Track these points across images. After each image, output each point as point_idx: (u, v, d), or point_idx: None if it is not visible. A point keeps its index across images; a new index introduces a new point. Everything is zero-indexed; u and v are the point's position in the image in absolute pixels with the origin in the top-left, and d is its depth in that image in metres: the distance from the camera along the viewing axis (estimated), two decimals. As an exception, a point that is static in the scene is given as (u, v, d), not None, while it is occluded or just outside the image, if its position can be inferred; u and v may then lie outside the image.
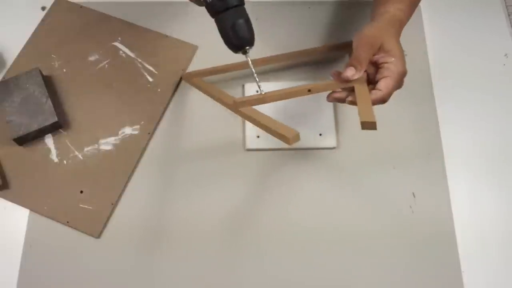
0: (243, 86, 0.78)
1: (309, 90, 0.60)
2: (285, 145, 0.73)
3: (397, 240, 0.69)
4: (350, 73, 0.59)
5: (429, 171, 0.73)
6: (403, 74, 0.60)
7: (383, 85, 0.58)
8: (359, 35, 0.61)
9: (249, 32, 0.58)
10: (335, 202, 0.71)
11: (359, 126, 0.75)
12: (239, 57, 0.79)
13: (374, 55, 0.60)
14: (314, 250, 0.68)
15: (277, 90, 0.61)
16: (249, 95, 0.76)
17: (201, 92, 0.77)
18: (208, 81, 0.77)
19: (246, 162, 0.73)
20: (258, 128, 0.74)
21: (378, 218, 0.70)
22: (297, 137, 0.56)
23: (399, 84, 0.60)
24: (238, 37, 0.57)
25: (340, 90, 0.61)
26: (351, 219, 0.70)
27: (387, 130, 0.75)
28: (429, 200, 0.71)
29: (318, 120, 0.75)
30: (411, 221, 0.70)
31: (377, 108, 0.76)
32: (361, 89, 0.59)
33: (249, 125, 0.75)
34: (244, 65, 0.72)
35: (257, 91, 0.61)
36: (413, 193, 0.72)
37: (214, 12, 0.58)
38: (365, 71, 0.60)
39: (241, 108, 0.63)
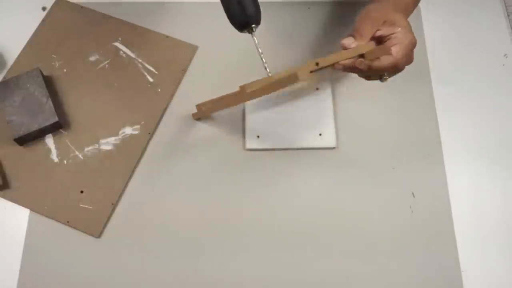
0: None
1: (317, 64, 0.57)
2: (285, 145, 0.74)
3: (396, 240, 0.69)
4: (347, 41, 0.58)
5: (429, 171, 0.73)
6: (413, 43, 0.58)
7: (393, 50, 0.56)
8: (364, 10, 0.60)
9: (255, 10, 0.55)
10: (334, 202, 0.71)
11: (360, 126, 0.76)
12: (239, 58, 0.80)
13: (377, 30, 0.58)
14: (314, 250, 0.68)
15: (283, 70, 0.58)
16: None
17: (200, 92, 0.78)
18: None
19: (246, 162, 0.73)
20: (258, 128, 0.74)
21: (378, 218, 0.70)
22: (305, 73, 0.52)
23: (408, 54, 0.58)
24: (244, 14, 0.54)
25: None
26: (351, 219, 0.70)
27: (387, 130, 0.75)
28: (429, 200, 0.71)
29: (318, 120, 0.75)
30: (411, 221, 0.70)
31: (377, 105, 0.76)
32: (371, 51, 0.57)
33: (249, 125, 0.75)
34: (252, 94, 0.71)
35: (266, 69, 0.58)
36: (413, 193, 0.72)
37: None
38: (380, 36, 0.58)
39: (249, 90, 0.60)
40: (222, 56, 0.79)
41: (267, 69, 0.58)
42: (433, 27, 0.83)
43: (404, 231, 0.70)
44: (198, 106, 0.72)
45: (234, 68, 0.79)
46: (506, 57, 0.81)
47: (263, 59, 0.57)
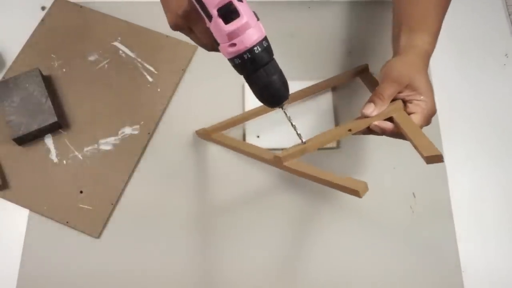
0: (243, 86, 0.78)
1: (349, 130, 0.57)
2: (285, 145, 0.73)
3: (397, 240, 0.69)
4: (369, 110, 0.56)
5: (429, 171, 0.73)
6: (433, 113, 0.57)
7: (414, 118, 0.56)
8: (386, 68, 0.59)
9: (284, 88, 0.53)
10: (334, 202, 0.71)
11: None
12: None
13: (399, 92, 0.57)
14: (313, 250, 0.68)
15: (318, 136, 0.59)
16: (248, 95, 0.76)
17: (201, 92, 0.77)
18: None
19: (246, 162, 0.73)
20: (258, 128, 0.74)
21: (378, 218, 0.70)
22: (365, 188, 0.51)
23: (427, 122, 0.57)
24: (274, 95, 0.53)
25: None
26: (351, 219, 0.70)
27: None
28: (430, 200, 0.71)
29: (318, 120, 0.75)
30: (411, 221, 0.70)
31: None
32: (403, 118, 0.56)
33: (249, 125, 0.75)
34: (257, 112, 0.71)
35: (302, 140, 0.58)
36: (413, 193, 0.72)
37: (243, 73, 0.52)
38: (402, 99, 0.58)
39: (286, 163, 0.57)
40: (222, 56, 0.79)
41: (303, 140, 0.57)
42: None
43: (404, 231, 0.70)
44: (207, 132, 0.72)
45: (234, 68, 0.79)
46: (507, 56, 0.81)
47: (297, 130, 0.57)
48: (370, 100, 0.57)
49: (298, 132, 0.57)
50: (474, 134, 0.76)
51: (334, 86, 0.77)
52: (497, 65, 0.81)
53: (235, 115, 0.73)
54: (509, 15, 0.85)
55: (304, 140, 0.57)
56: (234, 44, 0.49)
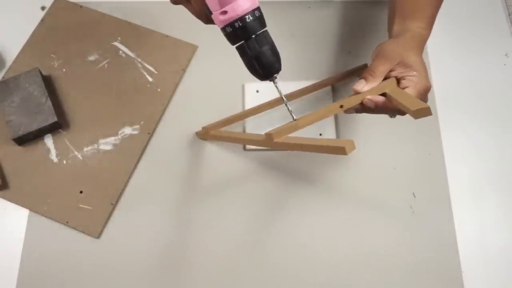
0: (243, 86, 0.78)
1: (341, 106, 0.56)
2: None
3: (397, 240, 0.69)
4: (360, 86, 0.56)
5: (429, 171, 0.73)
6: (426, 89, 0.57)
7: (407, 92, 0.55)
8: (378, 48, 0.59)
9: (276, 59, 0.53)
10: (334, 202, 0.71)
11: (360, 126, 0.76)
12: (239, 58, 0.80)
13: (392, 70, 0.57)
14: (313, 249, 0.68)
15: (309, 114, 0.57)
16: (248, 95, 0.76)
17: (201, 92, 0.77)
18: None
19: (246, 162, 0.73)
20: (258, 128, 0.74)
21: (378, 218, 0.70)
22: (352, 145, 0.50)
23: (422, 97, 0.56)
24: (265, 66, 0.52)
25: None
26: (351, 219, 0.70)
27: (387, 130, 0.75)
28: (430, 200, 0.71)
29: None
30: (411, 221, 0.70)
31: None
32: (397, 91, 0.55)
33: (249, 125, 0.75)
34: (254, 111, 0.71)
35: (292, 116, 0.56)
36: (413, 193, 0.72)
37: (233, 41, 0.52)
38: (395, 77, 0.57)
39: (277, 139, 0.56)
40: (222, 56, 0.79)
41: (294, 116, 0.56)
42: (433, 26, 0.82)
43: (404, 231, 0.69)
44: (206, 130, 0.72)
45: (234, 68, 0.79)
46: (507, 56, 0.81)
47: (289, 106, 0.56)
48: (362, 77, 0.57)
49: (290, 109, 0.56)
50: (474, 134, 0.76)
51: (333, 84, 0.77)
52: (497, 65, 0.81)
53: (235, 113, 0.73)
54: (509, 15, 0.85)
55: (295, 117, 0.56)
56: (225, 12, 0.49)
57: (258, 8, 0.51)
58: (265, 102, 0.72)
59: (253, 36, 0.51)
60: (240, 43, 0.52)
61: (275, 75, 0.54)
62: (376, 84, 0.57)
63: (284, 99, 0.56)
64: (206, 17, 0.54)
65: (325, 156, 0.74)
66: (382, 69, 0.57)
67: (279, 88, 0.55)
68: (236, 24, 0.50)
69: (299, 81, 0.78)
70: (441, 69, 0.80)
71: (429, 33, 0.62)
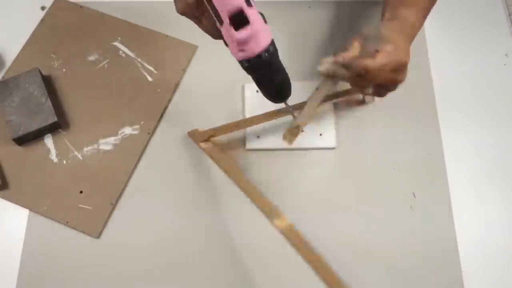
0: (243, 86, 0.78)
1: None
2: (285, 145, 0.73)
3: (397, 240, 0.69)
4: (340, 56, 0.57)
5: (429, 171, 0.73)
6: (401, 62, 0.55)
7: (377, 56, 0.54)
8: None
9: (288, 86, 0.57)
10: (335, 202, 0.71)
11: (360, 126, 0.76)
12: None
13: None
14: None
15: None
16: (248, 95, 0.76)
17: (201, 92, 0.77)
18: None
19: (246, 162, 0.73)
20: (258, 128, 0.74)
21: (378, 218, 0.70)
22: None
23: (394, 69, 0.55)
24: (279, 93, 0.57)
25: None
26: (351, 219, 0.70)
27: (387, 130, 0.75)
28: (430, 200, 0.71)
29: (318, 120, 0.75)
30: (411, 221, 0.70)
31: (377, 108, 0.76)
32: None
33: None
34: (261, 118, 0.71)
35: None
36: (413, 193, 0.72)
37: (252, 75, 0.56)
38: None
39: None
40: (222, 56, 0.79)
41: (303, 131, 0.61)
42: (433, 26, 0.83)
43: (404, 231, 0.69)
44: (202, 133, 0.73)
45: (234, 68, 0.79)
46: (507, 56, 0.81)
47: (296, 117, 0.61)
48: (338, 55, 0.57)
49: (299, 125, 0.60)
50: (474, 134, 0.76)
51: None
52: (497, 65, 0.80)
53: (237, 120, 0.73)
54: (509, 15, 0.85)
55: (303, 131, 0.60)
56: (243, 50, 0.51)
57: (272, 42, 0.53)
58: (272, 111, 0.71)
59: (268, 68, 0.54)
60: (255, 72, 0.55)
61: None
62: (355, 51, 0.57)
63: (294, 114, 0.61)
64: (218, 36, 0.56)
65: (325, 156, 0.74)
66: (358, 45, 0.57)
67: (290, 107, 0.61)
68: (253, 61, 0.53)
69: (299, 81, 0.78)
70: (441, 68, 0.80)
71: (420, 24, 0.61)
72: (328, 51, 0.81)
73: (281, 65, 0.56)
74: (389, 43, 0.56)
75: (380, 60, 0.55)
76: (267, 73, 0.55)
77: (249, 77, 0.78)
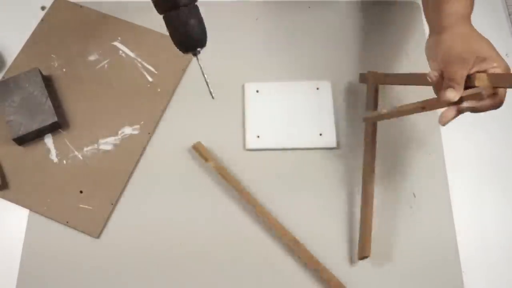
0: (243, 86, 0.78)
1: (423, 107, 0.60)
2: (285, 145, 0.74)
3: (397, 240, 0.69)
4: (451, 94, 0.54)
5: (429, 171, 0.73)
6: (508, 68, 0.55)
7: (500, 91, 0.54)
8: (440, 51, 0.57)
9: (201, 34, 0.54)
10: (335, 202, 0.71)
11: (360, 126, 0.76)
12: (239, 58, 0.80)
13: (471, 68, 0.55)
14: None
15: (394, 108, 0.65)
16: (248, 95, 0.76)
17: (201, 92, 0.77)
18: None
19: (246, 162, 0.73)
20: (258, 128, 0.74)
21: (378, 218, 0.70)
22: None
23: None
24: (189, 39, 0.53)
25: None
26: (351, 219, 0.70)
27: (387, 130, 0.75)
28: (430, 200, 0.71)
29: (318, 120, 0.75)
30: (411, 221, 0.70)
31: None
32: (490, 80, 0.54)
33: (249, 125, 0.75)
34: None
35: (211, 94, 0.58)
36: (413, 193, 0.72)
37: (162, 9, 0.52)
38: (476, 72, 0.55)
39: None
40: (222, 56, 0.79)
41: (212, 94, 0.57)
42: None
43: (404, 231, 0.69)
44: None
45: (234, 68, 0.79)
46: (508, 56, 0.81)
47: (209, 84, 0.57)
48: (447, 86, 0.55)
49: (210, 87, 0.57)
50: (474, 135, 0.76)
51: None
52: (497, 65, 0.80)
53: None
54: (509, 15, 0.85)
55: (213, 96, 0.58)
56: None
57: None
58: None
59: (182, 6, 0.51)
60: (168, 12, 0.52)
61: (198, 49, 0.54)
62: (462, 89, 0.55)
63: (205, 76, 0.56)
64: None
65: (325, 156, 0.74)
66: (462, 74, 0.55)
67: (201, 64, 0.56)
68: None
69: (299, 81, 0.78)
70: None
71: (472, 9, 0.60)
72: (328, 51, 0.81)
73: (197, 10, 0.53)
74: (489, 60, 0.55)
75: (504, 90, 0.55)
76: (179, 11, 0.52)
77: (249, 77, 0.79)
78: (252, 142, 0.74)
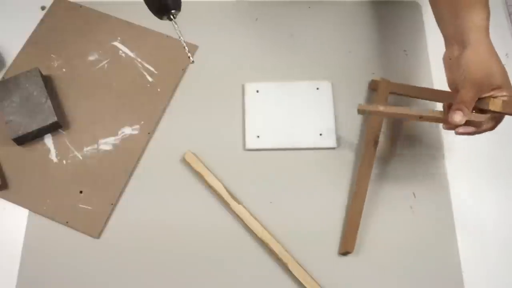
0: (243, 86, 0.78)
1: (420, 117, 0.62)
2: (285, 145, 0.74)
3: (397, 240, 0.69)
4: (458, 118, 0.57)
5: (429, 171, 0.73)
6: None
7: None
8: (463, 70, 0.58)
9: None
10: (335, 202, 0.71)
11: (360, 126, 0.76)
12: (239, 58, 0.80)
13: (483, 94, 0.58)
14: (314, 249, 0.68)
15: (394, 107, 0.67)
16: (248, 95, 0.76)
17: (201, 92, 0.77)
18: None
19: (246, 162, 0.73)
20: (258, 128, 0.74)
21: (378, 218, 0.70)
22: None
23: None
24: (161, 2, 0.52)
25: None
26: (351, 219, 0.70)
27: (387, 129, 0.75)
28: (430, 200, 0.71)
29: (318, 120, 0.75)
30: (411, 221, 0.70)
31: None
32: (504, 101, 0.57)
33: (249, 125, 0.75)
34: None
35: (189, 58, 0.58)
36: (414, 193, 0.72)
37: None
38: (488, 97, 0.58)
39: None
40: (222, 56, 0.79)
41: (191, 58, 0.57)
42: (434, 26, 0.82)
43: (405, 231, 0.69)
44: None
45: (234, 68, 0.79)
46: (507, 56, 0.81)
47: (186, 47, 0.56)
48: (456, 108, 0.57)
49: (187, 50, 0.57)
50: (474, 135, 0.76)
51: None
52: (497, 65, 0.80)
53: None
54: (509, 15, 0.85)
55: (192, 59, 0.58)
56: None
57: None
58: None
59: None
60: None
61: (172, 11, 0.53)
62: (470, 113, 0.58)
63: (182, 38, 0.56)
64: None
65: (325, 156, 0.74)
66: (474, 99, 0.57)
67: (178, 28, 0.55)
68: None
69: (299, 81, 0.78)
70: (441, 69, 0.79)
71: (489, 20, 0.60)
72: (328, 51, 0.81)
73: None
74: (501, 88, 0.57)
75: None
76: None
77: (249, 77, 0.78)
78: (252, 142, 0.74)
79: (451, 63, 0.61)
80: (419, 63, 0.81)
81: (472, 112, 0.58)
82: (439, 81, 0.78)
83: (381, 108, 0.64)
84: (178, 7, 0.53)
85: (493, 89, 0.57)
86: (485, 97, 0.58)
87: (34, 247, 0.67)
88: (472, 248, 0.69)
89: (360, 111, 0.66)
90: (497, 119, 0.60)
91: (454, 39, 0.61)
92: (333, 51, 0.81)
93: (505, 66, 0.80)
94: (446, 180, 0.72)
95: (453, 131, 0.61)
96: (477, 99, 0.57)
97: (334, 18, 0.84)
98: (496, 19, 0.84)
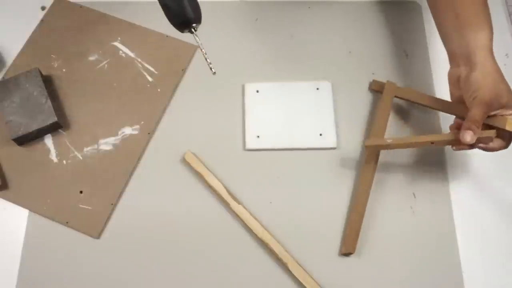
0: (243, 86, 0.78)
1: (432, 143, 0.63)
2: (285, 145, 0.74)
3: (397, 241, 0.69)
4: (469, 138, 0.58)
5: (429, 171, 0.73)
6: None
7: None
8: (473, 91, 0.60)
9: (195, 7, 0.54)
10: (335, 202, 0.71)
11: (360, 126, 0.76)
12: (239, 58, 0.80)
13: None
14: (314, 250, 0.68)
15: (401, 138, 0.70)
16: (248, 95, 0.76)
17: (201, 92, 0.77)
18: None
19: (246, 162, 0.73)
20: (258, 128, 0.74)
21: (378, 218, 0.70)
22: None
23: None
24: (183, 13, 0.53)
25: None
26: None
27: (387, 129, 0.75)
28: (430, 200, 0.71)
29: (318, 120, 0.75)
30: (411, 221, 0.70)
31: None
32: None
33: (249, 125, 0.75)
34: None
35: (211, 69, 0.58)
36: (414, 194, 0.72)
37: None
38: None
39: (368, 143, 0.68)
40: (222, 56, 0.79)
41: (212, 69, 0.58)
42: (434, 27, 0.82)
43: (405, 231, 0.69)
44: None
45: (234, 68, 0.79)
46: (507, 56, 0.81)
47: (208, 59, 0.57)
48: (467, 127, 0.59)
49: (209, 62, 0.57)
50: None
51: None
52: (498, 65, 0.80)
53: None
54: (510, 15, 0.85)
55: (214, 70, 0.58)
56: None
57: None
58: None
59: None
60: None
61: (194, 25, 0.54)
62: (480, 132, 0.59)
63: (204, 51, 0.57)
64: None
65: (325, 156, 0.74)
66: (483, 118, 0.59)
67: (199, 40, 0.56)
68: None
69: (299, 82, 0.78)
70: (441, 69, 0.80)
71: (492, 37, 0.63)
72: (328, 51, 0.81)
73: None
74: (509, 107, 0.60)
75: None
76: None
77: (249, 77, 0.79)
78: (252, 142, 0.74)
79: (458, 81, 0.63)
80: (419, 63, 0.81)
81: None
82: (439, 81, 0.79)
83: (390, 141, 0.66)
84: (199, 20, 0.54)
85: (500, 108, 0.60)
86: (493, 115, 0.61)
87: (34, 247, 0.67)
88: (472, 248, 0.69)
89: (368, 148, 0.68)
90: (510, 137, 0.62)
91: (461, 59, 0.63)
92: (333, 51, 0.81)
93: (505, 66, 0.81)
94: (446, 180, 0.72)
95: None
96: (485, 117, 0.59)
97: (334, 18, 0.84)
98: (496, 19, 0.84)
